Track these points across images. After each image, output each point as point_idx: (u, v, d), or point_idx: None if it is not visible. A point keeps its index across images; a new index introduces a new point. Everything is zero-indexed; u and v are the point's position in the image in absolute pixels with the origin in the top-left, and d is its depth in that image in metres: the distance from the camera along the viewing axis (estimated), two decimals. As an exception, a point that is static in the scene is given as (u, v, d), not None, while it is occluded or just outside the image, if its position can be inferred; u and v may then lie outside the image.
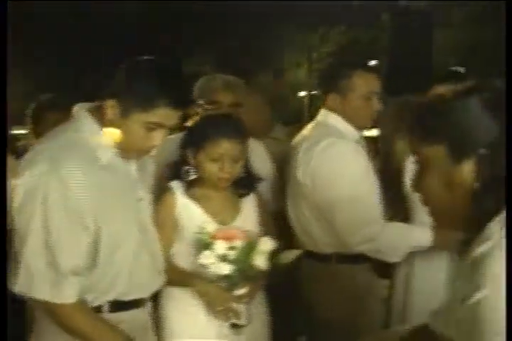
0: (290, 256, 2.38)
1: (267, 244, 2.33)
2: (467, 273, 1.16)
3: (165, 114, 1.98)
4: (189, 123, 2.64)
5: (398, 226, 2.76)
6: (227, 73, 3.29)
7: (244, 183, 2.54)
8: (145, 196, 2.19)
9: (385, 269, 2.95)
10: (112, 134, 2.02)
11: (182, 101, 2.03)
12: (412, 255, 2.77)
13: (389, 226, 2.73)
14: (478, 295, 1.09)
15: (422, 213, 2.79)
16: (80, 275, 1.96)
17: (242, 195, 2.57)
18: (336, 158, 2.70)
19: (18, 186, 1.92)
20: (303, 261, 2.89)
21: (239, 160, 2.45)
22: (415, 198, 2.75)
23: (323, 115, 2.86)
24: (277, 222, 2.89)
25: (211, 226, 2.39)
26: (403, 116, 2.78)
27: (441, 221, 1.37)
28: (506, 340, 1.00)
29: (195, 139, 2.45)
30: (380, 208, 2.75)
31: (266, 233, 2.47)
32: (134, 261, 2.09)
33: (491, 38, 11.62)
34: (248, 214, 2.55)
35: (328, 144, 2.72)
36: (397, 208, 2.96)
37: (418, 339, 1.55)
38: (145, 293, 2.19)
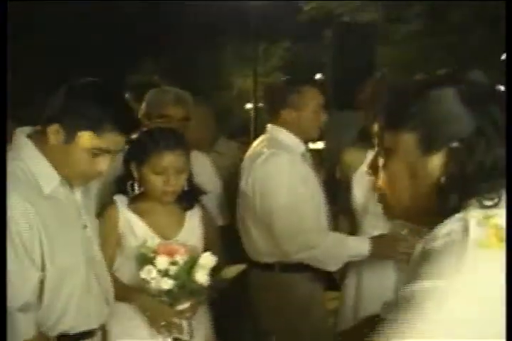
0: (234, 270, 2.37)
1: (208, 260, 2.32)
2: (413, 266, 1.11)
3: (111, 140, 1.92)
4: (132, 137, 2.62)
5: (336, 236, 2.82)
6: (174, 85, 3.28)
7: (188, 197, 2.54)
8: (90, 222, 2.13)
9: (333, 281, 3.00)
10: (55, 161, 1.94)
11: (128, 126, 1.98)
12: (361, 265, 2.83)
13: (327, 236, 2.80)
14: (415, 286, 1.04)
15: (368, 225, 2.89)
16: (29, 311, 1.89)
17: (186, 209, 2.56)
18: (275, 168, 2.79)
19: None
20: (250, 272, 2.92)
21: (183, 173, 2.44)
22: (362, 211, 2.85)
23: (271, 130, 2.95)
24: (227, 236, 2.93)
25: (154, 240, 2.37)
26: (376, 97, 2.86)
27: (397, 212, 1.30)
28: (506, 340, 0.99)
29: (138, 153, 2.43)
30: (319, 218, 2.86)
31: (210, 247, 2.47)
32: (81, 294, 2.03)
33: (432, 55, 11.89)
34: (192, 228, 2.54)
35: (268, 155, 2.81)
36: (344, 220, 3.03)
37: (368, 328, 1.55)
38: (94, 324, 2.13)
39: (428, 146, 1.18)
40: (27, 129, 2.02)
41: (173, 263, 2.26)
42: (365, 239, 2.76)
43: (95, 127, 1.89)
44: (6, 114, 1.98)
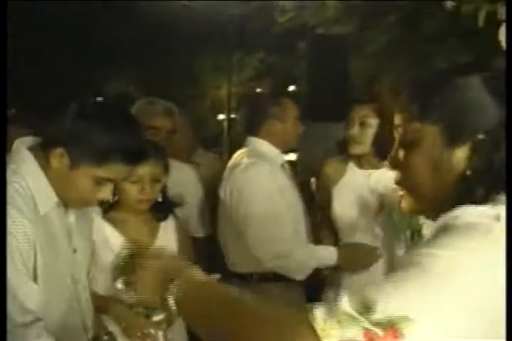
0: None
1: None
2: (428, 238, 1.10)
3: (116, 170, 1.86)
4: None
5: (307, 246, 2.91)
6: (149, 95, 3.29)
7: (162, 208, 2.55)
8: (81, 246, 2.06)
9: (314, 293, 3.05)
10: (54, 182, 1.87)
11: (136, 157, 1.89)
12: (340, 276, 2.87)
13: (299, 245, 2.88)
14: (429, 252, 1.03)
15: (348, 237, 2.93)
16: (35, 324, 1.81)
17: (159, 220, 2.57)
18: (253, 177, 2.86)
19: None
20: (228, 283, 2.98)
21: (158, 182, 2.45)
22: (342, 223, 2.88)
23: (251, 141, 3.03)
24: (208, 247, 2.98)
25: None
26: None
27: (419, 207, 1.25)
28: (506, 340, 0.99)
29: None
30: (295, 228, 2.93)
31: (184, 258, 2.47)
32: (61, 322, 1.97)
33: (404, 67, 11.99)
34: (166, 238, 2.55)
35: (248, 164, 2.89)
36: (325, 231, 3.07)
37: None
38: None
39: (452, 138, 1.14)
40: (28, 141, 1.93)
41: None
42: (333, 248, 2.85)
43: (102, 157, 1.81)
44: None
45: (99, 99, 1.88)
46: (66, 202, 1.94)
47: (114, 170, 1.85)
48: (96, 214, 2.42)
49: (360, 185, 2.85)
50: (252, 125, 3.04)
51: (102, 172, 1.84)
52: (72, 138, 1.81)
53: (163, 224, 2.58)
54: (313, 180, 4.05)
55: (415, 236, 2.61)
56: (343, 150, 2.99)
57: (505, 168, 1.10)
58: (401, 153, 1.23)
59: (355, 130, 2.83)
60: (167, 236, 2.56)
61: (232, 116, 13.38)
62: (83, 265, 2.09)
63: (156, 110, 3.00)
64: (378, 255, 2.77)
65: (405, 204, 1.27)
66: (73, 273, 2.01)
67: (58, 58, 18.74)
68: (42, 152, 1.87)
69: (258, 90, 19.02)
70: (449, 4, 6.75)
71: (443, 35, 11.24)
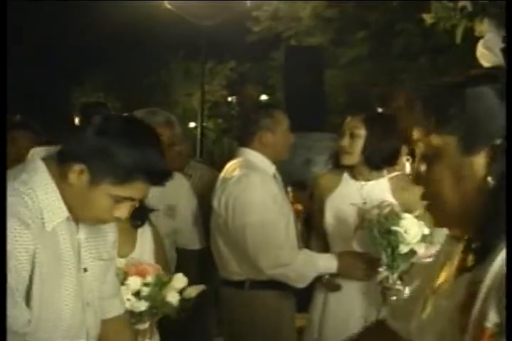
0: (193, 291, 2.36)
1: (180, 281, 2.29)
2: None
3: (138, 189, 1.75)
4: None
5: (307, 253, 2.90)
6: (119, 102, 3.26)
7: (138, 214, 2.52)
8: (92, 266, 1.89)
9: (304, 301, 3.07)
10: (68, 198, 1.75)
11: (159, 177, 1.78)
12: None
13: (299, 253, 2.88)
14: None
15: (339, 248, 2.94)
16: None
17: (137, 226, 2.55)
18: (247, 187, 2.87)
19: None
20: (221, 290, 3.01)
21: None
22: (333, 234, 2.89)
23: (242, 152, 3.03)
24: (201, 257, 3.06)
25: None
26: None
27: (444, 218, 1.25)
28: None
29: None
30: (291, 235, 2.93)
31: (159, 263, 2.46)
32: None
33: (375, 79, 12.13)
34: (144, 245, 2.53)
35: (241, 175, 2.90)
36: (316, 241, 3.10)
37: (374, 335, 1.54)
38: None
39: (471, 146, 1.16)
40: (42, 151, 1.82)
41: (146, 285, 2.23)
42: (333, 256, 2.85)
43: (125, 176, 1.72)
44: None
45: (125, 114, 1.79)
46: (79, 219, 1.81)
47: (136, 189, 1.75)
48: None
49: (353, 197, 2.88)
50: (244, 136, 3.10)
51: (123, 191, 1.73)
52: (95, 155, 1.70)
53: (140, 231, 2.55)
54: (289, 189, 4.07)
55: (395, 254, 2.65)
56: (335, 162, 3.05)
57: (506, 176, 1.12)
58: (423, 168, 1.23)
59: (346, 141, 2.88)
60: (145, 242, 2.53)
61: (204, 124, 13.38)
62: (94, 286, 1.91)
63: (157, 120, 2.92)
64: (376, 265, 2.79)
65: (432, 217, 1.26)
66: (81, 295, 1.85)
67: (28, 63, 18.62)
68: (58, 165, 1.75)
69: (229, 99, 19.14)
70: (428, 19, 6.85)
71: (413, 53, 11.41)
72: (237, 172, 2.93)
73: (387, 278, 2.69)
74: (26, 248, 1.67)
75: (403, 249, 2.64)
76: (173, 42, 17.83)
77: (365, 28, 11.55)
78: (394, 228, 2.62)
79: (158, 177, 1.76)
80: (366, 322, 2.71)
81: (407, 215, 2.64)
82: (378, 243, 2.66)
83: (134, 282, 2.22)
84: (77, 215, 1.78)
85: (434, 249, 2.58)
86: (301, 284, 2.87)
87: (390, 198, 2.83)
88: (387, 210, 2.71)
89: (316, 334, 2.92)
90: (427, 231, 2.61)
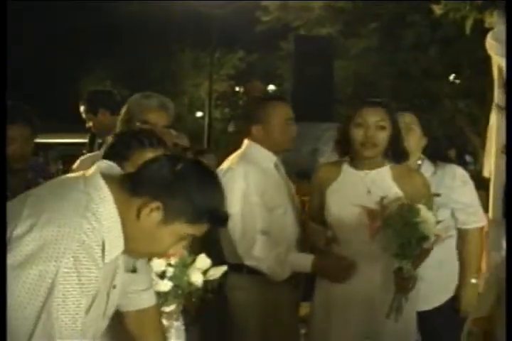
0: (217, 272, 2.38)
1: (203, 262, 2.32)
2: None
3: (201, 229, 1.78)
4: (109, 139, 2.65)
5: (281, 250, 2.96)
6: (127, 91, 3.27)
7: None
8: (119, 282, 1.90)
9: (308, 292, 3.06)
10: (127, 230, 1.72)
11: (222, 221, 1.82)
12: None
13: (274, 248, 2.95)
14: None
15: (343, 239, 2.96)
16: None
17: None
18: (230, 178, 2.96)
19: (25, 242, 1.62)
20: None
21: None
22: (337, 224, 2.90)
23: (244, 144, 3.11)
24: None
25: None
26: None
27: None
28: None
29: (119, 151, 2.43)
30: (282, 228, 3.01)
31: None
32: None
33: (384, 70, 12.09)
34: None
35: (227, 168, 3.04)
36: (317, 235, 3.11)
37: None
38: None
39: None
40: (109, 167, 1.82)
41: (170, 265, 2.26)
42: (309, 257, 2.94)
43: (197, 218, 1.73)
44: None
45: (198, 161, 1.81)
46: (131, 252, 1.80)
47: (202, 228, 1.78)
48: None
49: (356, 185, 2.87)
50: (243, 128, 3.13)
51: (191, 230, 1.75)
52: (173, 195, 1.70)
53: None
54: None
55: (417, 245, 2.64)
56: (342, 151, 3.00)
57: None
58: None
59: (372, 133, 2.83)
60: None
61: (211, 113, 13.37)
62: (116, 300, 1.92)
63: (152, 104, 2.92)
64: (353, 270, 2.82)
65: None
66: (105, 310, 1.85)
67: (36, 52, 18.62)
68: (128, 195, 1.72)
69: (237, 89, 19.09)
70: (438, 10, 6.81)
71: (422, 44, 11.35)
72: (225, 165, 3.07)
73: (400, 268, 2.70)
74: (94, 285, 1.66)
75: (430, 238, 2.65)
76: (182, 31, 17.78)
77: (376, 20, 11.49)
78: (415, 219, 2.63)
79: (223, 219, 1.81)
80: (373, 309, 2.77)
81: (420, 206, 2.66)
82: (401, 236, 2.65)
83: (159, 263, 2.25)
84: (132, 249, 1.77)
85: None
86: (276, 278, 2.95)
87: (393, 186, 2.83)
88: (398, 203, 2.71)
89: (321, 323, 2.92)
90: (440, 218, 2.67)
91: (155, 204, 1.68)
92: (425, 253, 2.76)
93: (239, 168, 3.01)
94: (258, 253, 2.93)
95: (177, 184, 1.71)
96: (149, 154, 2.39)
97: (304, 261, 2.93)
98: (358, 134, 2.82)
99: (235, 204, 2.91)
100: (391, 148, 2.83)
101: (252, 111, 3.10)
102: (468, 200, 3.16)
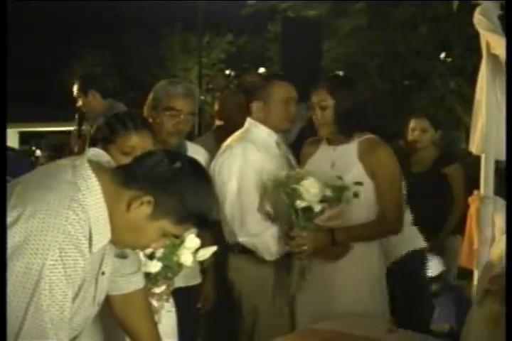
0: (206, 253, 2.38)
1: (193, 242, 2.33)
2: None
3: (185, 230, 1.81)
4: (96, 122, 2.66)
5: (277, 229, 3.00)
6: (116, 75, 3.27)
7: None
8: (108, 269, 1.90)
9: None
10: (114, 221, 1.72)
11: (212, 224, 1.84)
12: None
13: (270, 227, 3.01)
14: None
15: None
16: None
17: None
18: (229, 156, 3.06)
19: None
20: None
21: None
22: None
23: (247, 122, 3.19)
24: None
25: None
26: None
27: None
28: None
29: (104, 135, 2.47)
30: (263, 208, 3.05)
31: None
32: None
33: (372, 50, 12.05)
34: None
35: (227, 146, 3.12)
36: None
37: None
38: None
39: None
40: (98, 154, 1.83)
41: None
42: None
43: (184, 219, 1.75)
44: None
45: (199, 163, 1.79)
46: (117, 242, 1.80)
47: (186, 229, 1.81)
48: None
49: (324, 161, 3.00)
50: (246, 106, 3.20)
51: (175, 230, 1.76)
52: (167, 193, 1.71)
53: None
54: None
55: (295, 209, 2.76)
56: (311, 131, 3.15)
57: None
58: None
59: (317, 114, 2.96)
60: None
61: (202, 97, 13.33)
62: (106, 287, 1.92)
63: (178, 91, 2.90)
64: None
65: None
66: (94, 296, 1.86)
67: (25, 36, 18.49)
68: (118, 187, 1.73)
69: (227, 72, 19.03)
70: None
71: (412, 22, 11.30)
72: (226, 143, 3.14)
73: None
74: (80, 275, 1.68)
75: (300, 204, 2.75)
76: (170, 15, 17.69)
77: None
78: (294, 186, 2.75)
79: (209, 224, 1.81)
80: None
81: (311, 178, 2.76)
82: (282, 200, 2.81)
83: None
84: (118, 239, 1.77)
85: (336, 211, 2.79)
86: (269, 257, 3.00)
87: (356, 161, 2.91)
88: (293, 173, 2.85)
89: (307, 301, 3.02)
90: (329, 192, 2.74)
91: (147, 198, 1.69)
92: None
93: (238, 145, 3.07)
94: (255, 230, 2.97)
95: (173, 183, 1.71)
96: (133, 136, 2.43)
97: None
98: (313, 116, 3.01)
99: (233, 181, 3.00)
100: (351, 123, 2.93)
101: (253, 89, 3.15)
102: None
